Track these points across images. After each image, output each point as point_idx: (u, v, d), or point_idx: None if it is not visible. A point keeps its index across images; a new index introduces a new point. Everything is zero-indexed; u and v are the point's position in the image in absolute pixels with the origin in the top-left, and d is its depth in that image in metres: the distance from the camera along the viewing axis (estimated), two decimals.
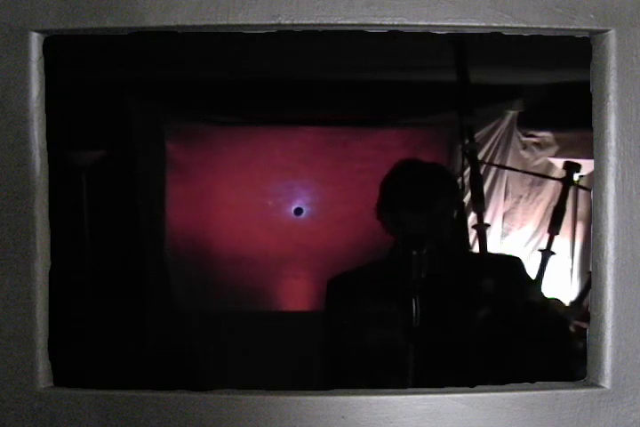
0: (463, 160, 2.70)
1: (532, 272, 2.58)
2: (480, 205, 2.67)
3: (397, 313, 1.59)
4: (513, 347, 1.65)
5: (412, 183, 1.73)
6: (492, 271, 1.73)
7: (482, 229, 2.75)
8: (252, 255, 3.82)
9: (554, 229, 3.00)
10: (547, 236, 3.08)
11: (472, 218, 2.82)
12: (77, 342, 2.72)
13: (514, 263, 1.80)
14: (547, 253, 3.01)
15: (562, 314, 2.85)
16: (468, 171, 2.78)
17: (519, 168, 3.76)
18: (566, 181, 3.07)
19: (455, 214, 1.91)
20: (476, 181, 2.66)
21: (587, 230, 3.58)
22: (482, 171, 3.58)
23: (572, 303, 3.30)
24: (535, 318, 1.72)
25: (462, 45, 2.52)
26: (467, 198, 2.97)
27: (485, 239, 2.79)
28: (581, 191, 3.50)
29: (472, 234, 2.83)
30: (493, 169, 3.75)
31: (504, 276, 1.73)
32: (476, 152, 2.78)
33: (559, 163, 3.48)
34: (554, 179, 3.47)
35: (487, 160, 3.68)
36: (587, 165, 3.37)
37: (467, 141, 2.66)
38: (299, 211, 3.90)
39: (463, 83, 2.54)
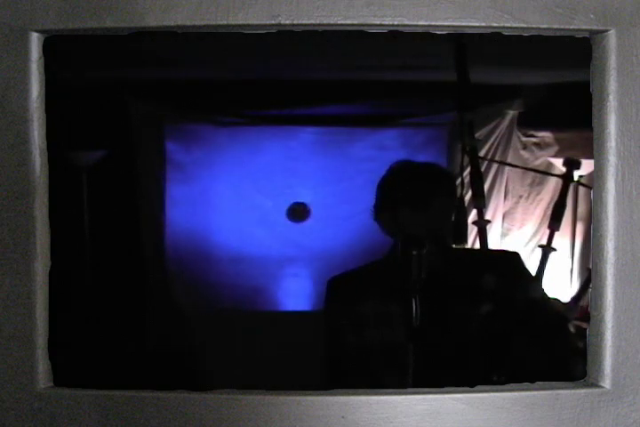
0: (463, 158, 2.69)
1: (532, 268, 2.58)
2: (481, 200, 2.67)
3: (397, 313, 1.58)
4: (513, 347, 1.64)
5: (409, 182, 1.73)
6: (491, 267, 1.73)
7: (482, 224, 2.75)
8: (251, 255, 3.82)
9: (554, 225, 2.99)
10: (547, 232, 3.08)
11: (473, 214, 2.81)
12: (77, 342, 2.72)
13: (512, 258, 1.80)
14: (547, 250, 2.99)
15: (562, 313, 2.85)
16: (468, 170, 2.78)
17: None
18: (567, 178, 3.06)
19: (454, 212, 1.91)
20: (477, 178, 2.65)
21: (587, 230, 3.58)
22: (482, 169, 3.62)
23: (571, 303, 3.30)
24: (536, 315, 1.72)
25: (462, 43, 2.52)
26: (467, 197, 2.96)
27: (486, 235, 2.77)
28: (581, 190, 3.50)
29: (473, 231, 2.80)
30: (493, 169, 3.75)
31: (503, 271, 1.72)
32: (476, 149, 2.75)
33: (559, 163, 3.48)
34: (554, 175, 3.47)
35: (488, 158, 3.69)
36: (587, 165, 3.38)
37: (467, 138, 2.63)
38: (298, 211, 3.90)
39: (463, 79, 2.53)
